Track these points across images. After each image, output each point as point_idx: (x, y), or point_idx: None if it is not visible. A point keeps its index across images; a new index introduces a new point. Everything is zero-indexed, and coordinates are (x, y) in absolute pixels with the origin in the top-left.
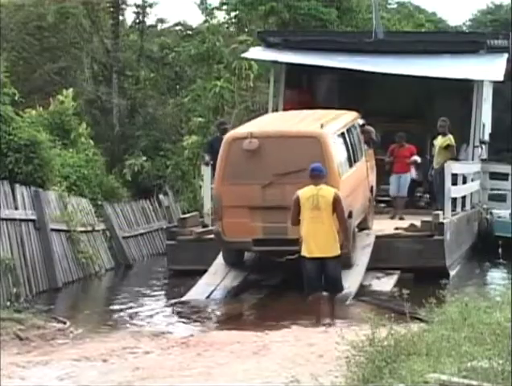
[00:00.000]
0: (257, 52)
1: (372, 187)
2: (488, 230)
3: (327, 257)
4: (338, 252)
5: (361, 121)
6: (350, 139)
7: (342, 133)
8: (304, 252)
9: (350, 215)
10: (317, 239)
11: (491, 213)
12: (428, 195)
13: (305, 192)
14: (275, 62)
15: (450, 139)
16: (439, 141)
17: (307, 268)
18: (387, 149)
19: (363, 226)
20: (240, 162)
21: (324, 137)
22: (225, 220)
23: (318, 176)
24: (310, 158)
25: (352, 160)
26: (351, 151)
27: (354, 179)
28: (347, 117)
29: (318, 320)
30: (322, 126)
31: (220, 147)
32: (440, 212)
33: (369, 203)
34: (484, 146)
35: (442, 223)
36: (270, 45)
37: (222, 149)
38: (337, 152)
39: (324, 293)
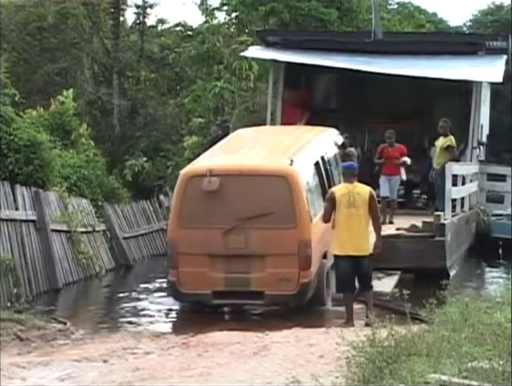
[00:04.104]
0: (256, 51)
1: None
2: (486, 231)
3: (361, 256)
4: (371, 250)
5: (340, 140)
6: (325, 167)
7: (316, 163)
8: (337, 251)
9: (325, 255)
10: (353, 237)
11: (488, 214)
12: (425, 196)
13: (340, 189)
14: (274, 61)
15: (451, 140)
16: (440, 142)
17: (340, 267)
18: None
19: None
20: (198, 203)
21: (293, 177)
22: (181, 269)
23: (352, 174)
24: (277, 199)
25: (326, 192)
26: (326, 182)
27: None
28: (324, 139)
29: (349, 321)
30: (292, 162)
31: None
32: (441, 213)
33: None
34: (482, 147)
35: (443, 224)
36: (269, 44)
37: (178, 187)
38: (309, 190)
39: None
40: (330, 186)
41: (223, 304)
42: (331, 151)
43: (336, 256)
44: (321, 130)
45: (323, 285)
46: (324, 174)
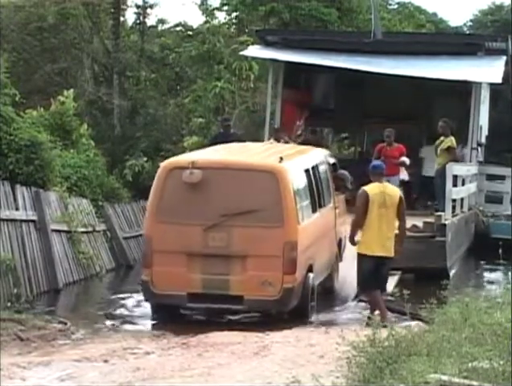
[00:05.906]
0: (255, 50)
1: (341, 240)
2: (485, 231)
3: (386, 257)
4: (393, 253)
5: (331, 160)
6: (316, 180)
7: (306, 171)
8: (365, 250)
9: (310, 269)
10: (381, 237)
11: (487, 215)
12: (424, 197)
13: (373, 188)
14: (274, 60)
15: (452, 141)
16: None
17: (366, 266)
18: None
19: (327, 285)
20: (178, 196)
21: (281, 173)
22: (156, 268)
23: (381, 174)
24: (264, 196)
25: (316, 204)
26: (316, 194)
27: (317, 228)
28: (315, 154)
29: (384, 316)
30: (281, 160)
31: (223, 143)
32: (442, 213)
33: (335, 259)
34: (480, 148)
35: (444, 225)
36: (268, 44)
37: (157, 179)
38: (298, 192)
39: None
40: (320, 203)
41: (198, 308)
42: (322, 167)
43: (361, 256)
44: (313, 148)
45: (307, 298)
46: (314, 185)
